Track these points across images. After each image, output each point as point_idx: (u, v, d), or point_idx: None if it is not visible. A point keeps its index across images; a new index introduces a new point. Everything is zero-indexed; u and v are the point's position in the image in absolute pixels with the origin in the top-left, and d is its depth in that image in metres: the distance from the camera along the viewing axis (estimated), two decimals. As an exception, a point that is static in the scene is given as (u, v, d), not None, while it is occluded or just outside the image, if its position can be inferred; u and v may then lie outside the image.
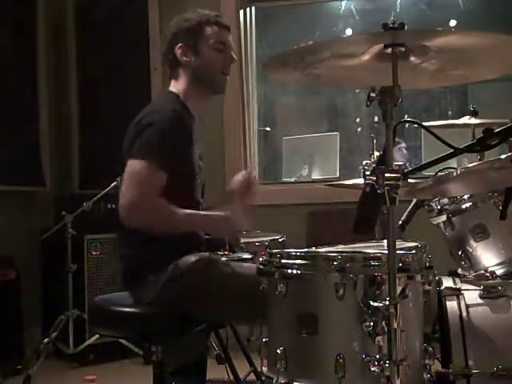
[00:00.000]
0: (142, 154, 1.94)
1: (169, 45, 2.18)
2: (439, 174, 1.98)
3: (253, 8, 4.34)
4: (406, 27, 1.31)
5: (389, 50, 1.37)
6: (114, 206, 2.23)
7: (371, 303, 1.41)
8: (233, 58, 2.19)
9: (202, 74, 2.15)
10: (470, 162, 1.80)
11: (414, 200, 2.28)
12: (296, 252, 1.56)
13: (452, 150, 1.46)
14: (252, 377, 2.66)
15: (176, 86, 2.18)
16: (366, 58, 1.43)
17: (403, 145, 4.58)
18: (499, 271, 2.01)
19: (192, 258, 1.98)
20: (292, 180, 4.31)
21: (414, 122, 1.64)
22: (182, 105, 2.13)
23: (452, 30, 1.36)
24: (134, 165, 1.93)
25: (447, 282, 1.86)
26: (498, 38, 1.33)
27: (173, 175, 1.95)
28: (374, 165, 1.42)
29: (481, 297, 1.77)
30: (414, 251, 1.56)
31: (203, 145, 2.27)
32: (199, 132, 2.23)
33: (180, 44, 2.14)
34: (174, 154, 1.97)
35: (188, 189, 2.09)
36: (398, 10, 4.61)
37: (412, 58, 1.42)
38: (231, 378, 2.47)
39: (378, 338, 1.39)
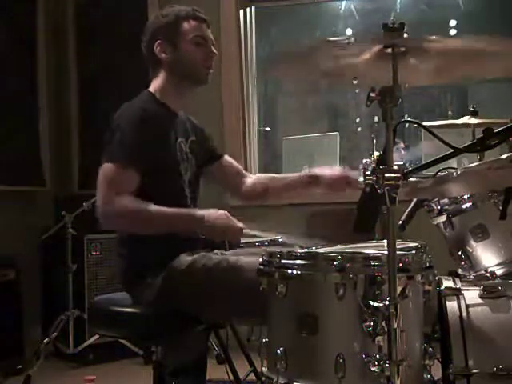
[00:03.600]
0: (108, 157, 1.95)
1: (147, 43, 2.17)
2: (439, 173, 1.98)
3: (253, 8, 4.35)
4: (405, 27, 1.31)
5: (389, 50, 1.37)
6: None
7: (371, 303, 1.41)
8: (213, 52, 2.17)
9: (181, 68, 2.13)
10: (470, 162, 1.80)
11: (414, 200, 2.28)
12: (296, 252, 1.56)
13: (452, 150, 1.46)
14: (252, 377, 2.66)
15: (154, 85, 2.17)
16: (365, 57, 1.43)
17: (401, 145, 4.58)
18: (499, 271, 2.00)
19: (188, 258, 1.98)
20: (292, 180, 4.30)
21: (414, 122, 1.64)
22: (158, 103, 2.12)
23: (451, 36, 1.36)
24: (103, 168, 1.94)
25: (447, 282, 1.86)
26: (497, 41, 1.33)
27: (150, 172, 1.96)
28: (373, 165, 1.42)
29: (481, 297, 1.77)
30: (413, 251, 1.55)
31: (197, 138, 2.26)
32: (188, 125, 2.23)
33: (158, 41, 2.13)
34: (145, 151, 1.97)
35: (171, 185, 2.08)
36: (398, 10, 4.61)
37: (411, 58, 1.42)
38: (231, 377, 2.47)
39: (378, 338, 1.39)
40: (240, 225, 2.00)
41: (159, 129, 2.05)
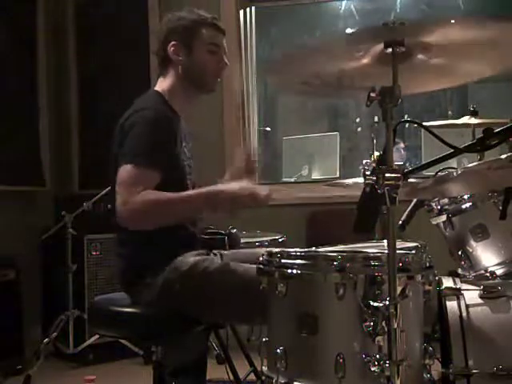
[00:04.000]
0: (127, 158, 1.92)
1: (162, 41, 2.15)
2: (439, 174, 1.98)
3: (253, 8, 4.35)
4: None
5: (389, 50, 1.37)
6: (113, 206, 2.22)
7: (371, 303, 1.41)
8: (225, 62, 2.17)
9: (192, 74, 2.13)
10: (470, 162, 1.80)
11: (414, 200, 2.28)
12: (296, 252, 1.56)
13: (452, 150, 1.46)
14: (252, 377, 2.66)
15: (162, 85, 2.15)
16: (366, 60, 1.43)
17: (401, 145, 4.59)
18: (499, 271, 2.00)
19: (189, 259, 1.97)
20: (292, 180, 4.31)
21: (414, 122, 1.65)
22: (166, 104, 2.10)
23: (452, 22, 1.35)
24: (122, 170, 1.91)
25: (447, 282, 1.86)
26: (497, 26, 1.33)
27: (165, 173, 1.94)
28: (373, 165, 1.42)
29: (481, 297, 1.77)
30: (413, 251, 1.55)
31: (192, 144, 2.24)
32: (187, 131, 2.22)
33: (174, 42, 2.12)
34: (160, 152, 1.95)
35: (180, 186, 2.06)
36: (398, 10, 4.61)
37: (412, 57, 1.42)
38: (231, 377, 2.47)
39: (378, 338, 1.39)
40: (265, 188, 1.98)
41: (171, 131, 2.04)
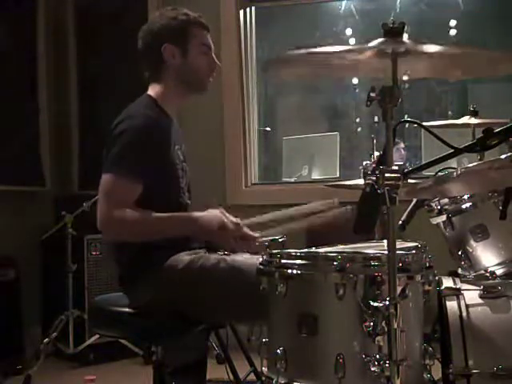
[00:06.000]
0: (110, 167, 1.92)
1: (152, 44, 2.11)
2: (439, 174, 1.98)
3: (253, 8, 4.34)
4: (405, 28, 1.31)
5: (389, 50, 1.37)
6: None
7: (371, 303, 1.41)
8: (216, 62, 2.14)
9: (188, 76, 2.10)
10: (470, 162, 1.80)
11: (414, 200, 2.28)
12: (296, 252, 1.56)
13: (452, 150, 1.46)
14: (252, 377, 2.66)
15: (155, 89, 2.11)
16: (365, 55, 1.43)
17: (402, 145, 4.58)
18: (499, 271, 2.00)
19: (185, 257, 1.97)
20: (292, 180, 4.31)
21: (414, 122, 1.64)
22: (159, 108, 2.08)
23: (451, 43, 1.37)
24: (103, 179, 1.91)
25: (447, 282, 1.86)
26: (496, 54, 1.34)
27: (153, 182, 1.93)
28: (373, 165, 1.42)
29: (481, 297, 1.77)
30: (414, 251, 1.56)
31: (185, 146, 2.21)
32: (180, 133, 2.19)
33: (167, 44, 2.08)
34: (149, 161, 1.94)
35: (173, 192, 2.06)
36: (398, 10, 4.61)
37: (411, 58, 1.43)
38: (231, 377, 2.47)
39: (378, 338, 1.39)
40: (236, 220, 2.01)
41: (161, 137, 2.02)
